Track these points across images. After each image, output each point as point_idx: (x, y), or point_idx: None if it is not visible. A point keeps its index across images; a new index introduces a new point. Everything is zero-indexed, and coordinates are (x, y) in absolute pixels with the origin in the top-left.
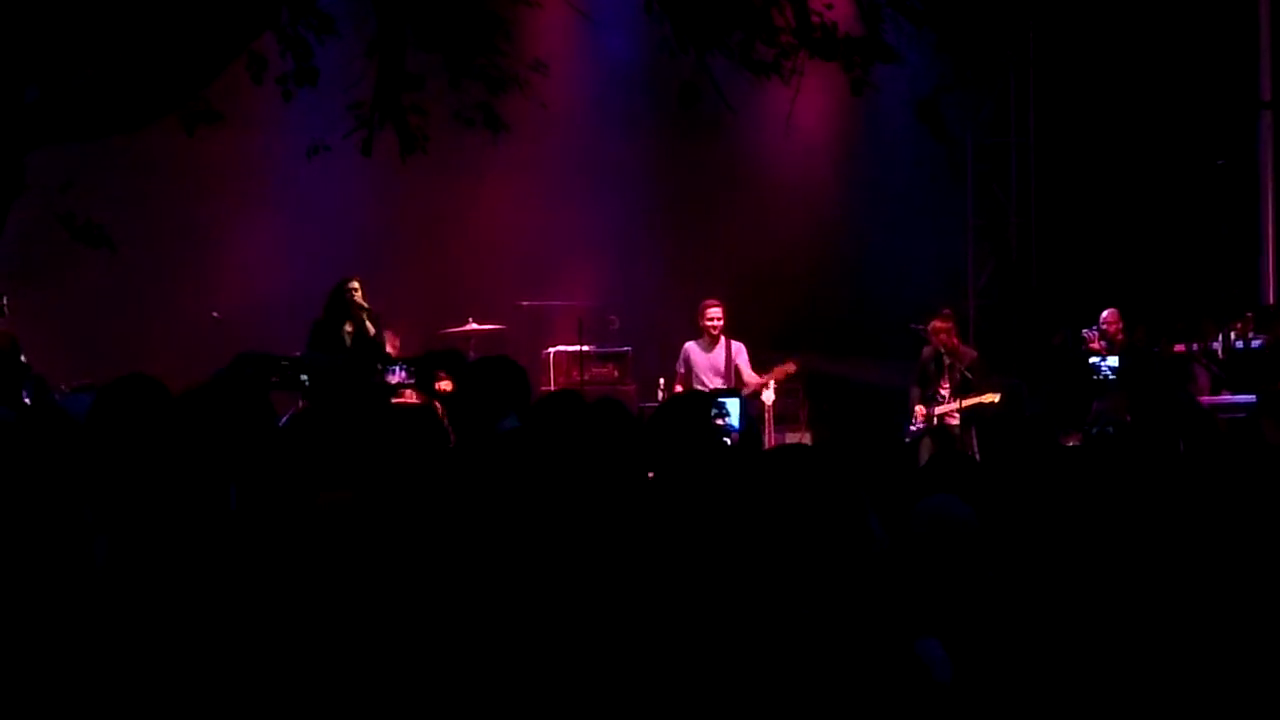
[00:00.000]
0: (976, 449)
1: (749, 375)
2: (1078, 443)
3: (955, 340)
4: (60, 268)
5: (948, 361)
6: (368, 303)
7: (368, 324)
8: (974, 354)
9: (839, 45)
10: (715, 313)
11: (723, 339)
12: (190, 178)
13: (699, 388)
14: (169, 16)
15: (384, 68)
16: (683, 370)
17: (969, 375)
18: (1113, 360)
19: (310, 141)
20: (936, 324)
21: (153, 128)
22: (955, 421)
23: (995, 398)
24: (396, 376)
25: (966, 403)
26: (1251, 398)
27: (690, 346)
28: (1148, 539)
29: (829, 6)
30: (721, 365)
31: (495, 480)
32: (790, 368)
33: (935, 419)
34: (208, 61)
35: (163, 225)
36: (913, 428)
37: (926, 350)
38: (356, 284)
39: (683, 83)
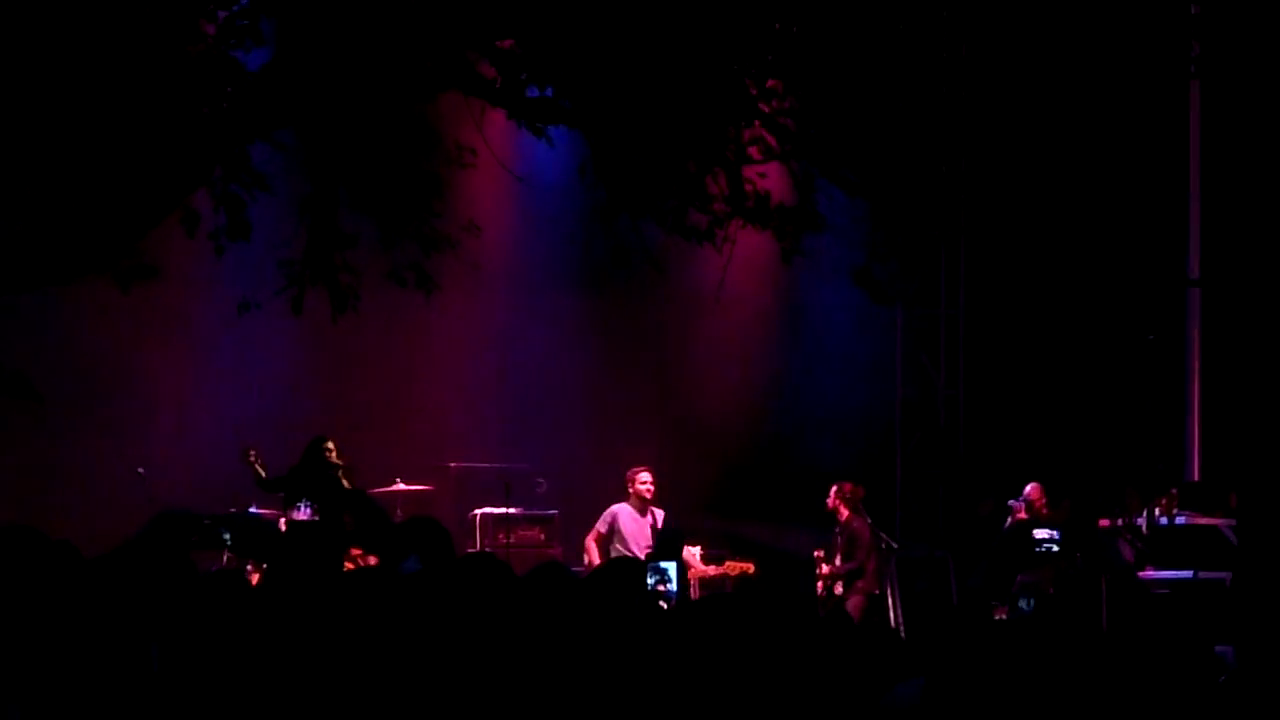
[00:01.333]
0: (901, 620)
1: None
2: (1004, 616)
3: (842, 511)
4: None
5: (835, 528)
6: (341, 460)
7: (343, 480)
8: (856, 527)
9: (772, 214)
10: (647, 477)
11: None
12: (119, 330)
13: (625, 553)
14: (102, 173)
15: (316, 227)
16: (603, 530)
17: (848, 545)
18: (1052, 532)
19: (241, 297)
20: (832, 489)
21: (83, 279)
22: (839, 591)
23: (843, 566)
24: (303, 514)
25: (830, 568)
26: (1177, 573)
27: (620, 511)
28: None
29: (762, 175)
30: (649, 533)
31: (387, 617)
32: (748, 567)
33: (826, 590)
34: (141, 217)
35: (90, 378)
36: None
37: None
38: (331, 444)
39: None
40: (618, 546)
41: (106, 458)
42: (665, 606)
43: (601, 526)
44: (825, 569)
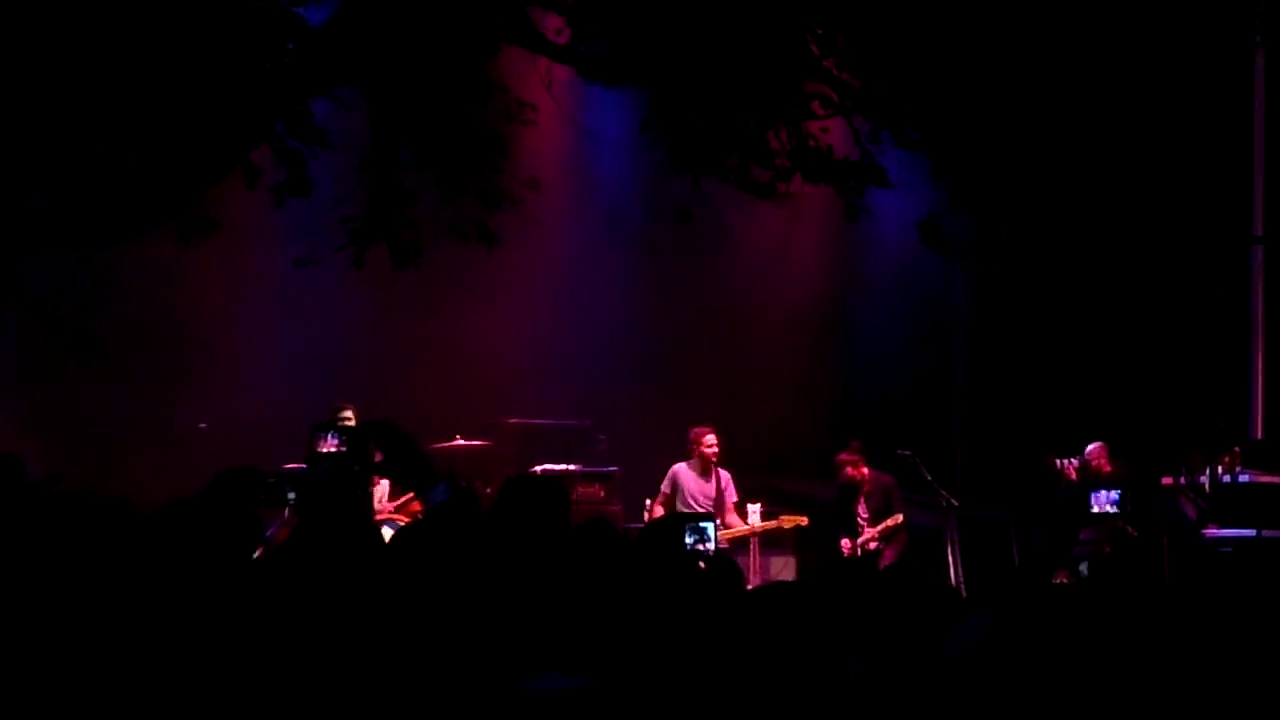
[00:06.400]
0: (961, 579)
1: (732, 518)
2: (1065, 580)
3: (863, 470)
4: (47, 375)
5: (866, 489)
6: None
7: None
8: (889, 479)
9: (834, 169)
10: (712, 439)
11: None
12: (181, 286)
13: (688, 511)
14: (169, 127)
15: (377, 182)
16: (668, 491)
17: (884, 500)
18: (1112, 493)
19: (304, 252)
20: (841, 457)
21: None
22: (875, 547)
23: (899, 519)
24: (328, 444)
25: (879, 528)
26: (1240, 531)
27: (681, 470)
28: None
29: (824, 130)
30: (713, 493)
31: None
32: (803, 520)
33: (859, 549)
34: (205, 171)
35: (152, 334)
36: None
37: (840, 484)
38: (349, 412)
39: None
40: (681, 508)
41: (170, 413)
42: (703, 566)
43: (666, 488)
44: (869, 531)
